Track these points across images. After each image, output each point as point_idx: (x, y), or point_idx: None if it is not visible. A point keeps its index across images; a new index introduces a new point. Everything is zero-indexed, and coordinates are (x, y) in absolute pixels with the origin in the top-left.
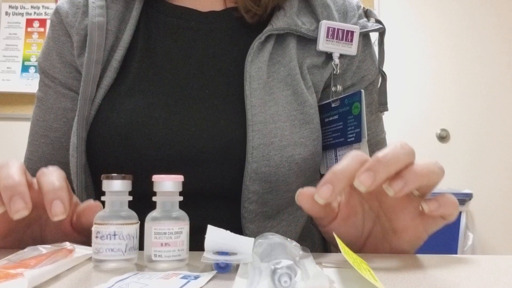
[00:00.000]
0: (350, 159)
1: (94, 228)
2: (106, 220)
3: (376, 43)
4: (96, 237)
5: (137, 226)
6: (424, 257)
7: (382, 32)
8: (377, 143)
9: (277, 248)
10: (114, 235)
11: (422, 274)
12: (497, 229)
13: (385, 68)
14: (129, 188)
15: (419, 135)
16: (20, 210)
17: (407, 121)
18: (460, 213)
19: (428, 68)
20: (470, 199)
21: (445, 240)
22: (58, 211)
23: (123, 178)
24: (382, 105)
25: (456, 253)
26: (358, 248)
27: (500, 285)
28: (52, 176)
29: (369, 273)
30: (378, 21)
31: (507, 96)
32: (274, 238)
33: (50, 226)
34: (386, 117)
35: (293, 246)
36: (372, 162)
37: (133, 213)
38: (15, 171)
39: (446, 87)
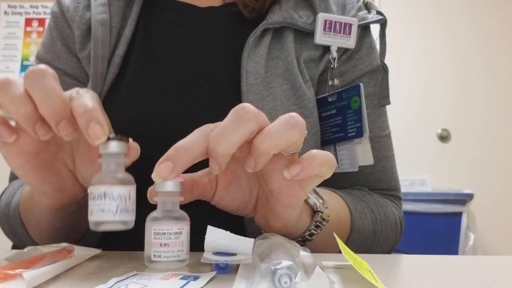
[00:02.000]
0: (196, 133)
1: (88, 190)
2: (98, 181)
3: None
4: (90, 198)
5: (129, 188)
6: (424, 258)
7: (383, 24)
8: (374, 140)
9: (277, 249)
10: (104, 195)
11: (423, 274)
12: (499, 229)
13: None
14: (126, 151)
15: (420, 135)
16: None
17: (407, 121)
18: (461, 213)
19: (429, 67)
20: (471, 200)
21: (446, 241)
22: (97, 133)
23: (120, 140)
24: (384, 98)
25: (457, 253)
26: (250, 211)
27: (502, 285)
28: (84, 97)
29: (369, 274)
30: (379, 13)
31: (509, 96)
32: (274, 238)
33: (81, 150)
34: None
35: (293, 247)
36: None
37: (129, 176)
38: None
39: (447, 87)
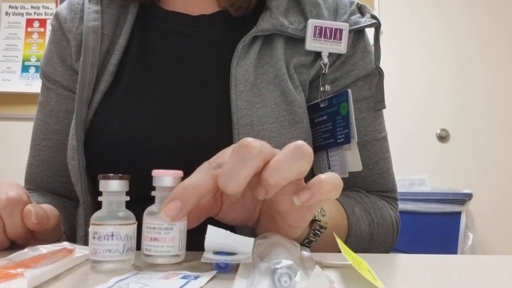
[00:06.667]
0: (201, 171)
1: (91, 229)
2: (103, 221)
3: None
4: (94, 237)
5: (134, 226)
6: (424, 257)
7: (377, 28)
8: (371, 143)
9: (277, 248)
10: (112, 235)
11: (422, 274)
12: (497, 229)
13: (385, 67)
14: (126, 188)
15: (419, 135)
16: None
17: (406, 121)
18: (460, 213)
19: (428, 67)
20: (470, 199)
21: (445, 240)
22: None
23: (120, 178)
24: (379, 103)
25: (456, 253)
26: (252, 224)
27: (500, 285)
28: (12, 220)
29: (369, 273)
30: (373, 16)
31: (508, 96)
32: (274, 238)
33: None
34: (385, 117)
35: (293, 246)
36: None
37: (131, 214)
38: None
39: (446, 87)
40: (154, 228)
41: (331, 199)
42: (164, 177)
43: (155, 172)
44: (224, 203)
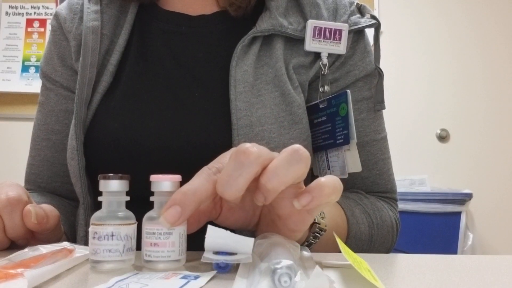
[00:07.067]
0: (200, 176)
1: (91, 229)
2: (103, 221)
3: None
4: (94, 237)
5: (134, 226)
6: (424, 257)
7: (377, 28)
8: (370, 144)
9: (277, 248)
10: (112, 235)
11: (422, 274)
12: (497, 229)
13: (385, 67)
14: (126, 188)
15: (419, 135)
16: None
17: (406, 121)
18: (460, 213)
19: (428, 67)
20: (470, 199)
21: (445, 240)
22: (29, 225)
23: (120, 178)
24: (379, 103)
25: (456, 253)
26: (252, 228)
27: (500, 285)
28: (12, 220)
29: (369, 273)
30: (373, 17)
31: (508, 96)
32: (274, 238)
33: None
34: (385, 117)
35: (293, 246)
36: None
37: (131, 214)
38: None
39: (446, 87)
40: (154, 233)
41: (331, 202)
42: (162, 182)
43: (153, 177)
44: (224, 207)
